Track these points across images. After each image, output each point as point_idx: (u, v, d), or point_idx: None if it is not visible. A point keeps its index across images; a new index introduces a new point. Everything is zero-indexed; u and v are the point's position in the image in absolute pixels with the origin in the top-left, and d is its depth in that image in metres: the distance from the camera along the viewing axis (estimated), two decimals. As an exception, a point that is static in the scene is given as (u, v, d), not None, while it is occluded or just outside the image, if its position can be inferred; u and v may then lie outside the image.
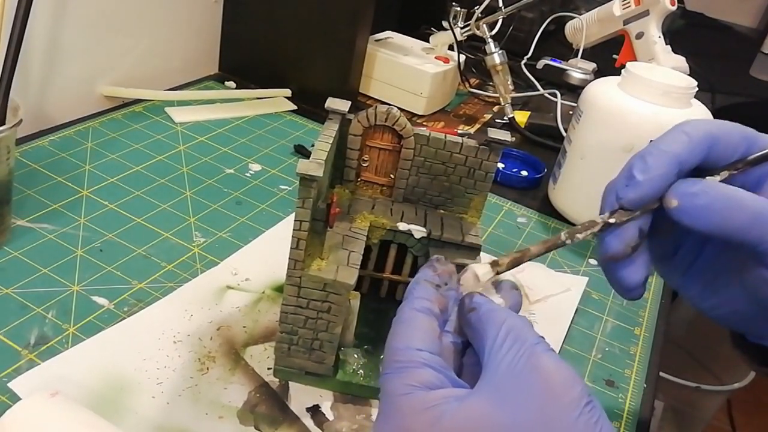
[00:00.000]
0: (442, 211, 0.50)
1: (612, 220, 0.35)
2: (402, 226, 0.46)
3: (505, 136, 0.46)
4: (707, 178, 0.35)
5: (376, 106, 0.46)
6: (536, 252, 0.36)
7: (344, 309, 0.43)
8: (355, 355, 0.48)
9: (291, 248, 0.41)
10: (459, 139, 0.47)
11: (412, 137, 0.47)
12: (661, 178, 0.34)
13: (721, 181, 0.35)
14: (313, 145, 0.43)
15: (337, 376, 0.47)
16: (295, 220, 0.40)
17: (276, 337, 0.45)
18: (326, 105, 0.46)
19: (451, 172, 0.48)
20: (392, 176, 0.49)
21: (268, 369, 0.47)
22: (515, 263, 0.36)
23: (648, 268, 0.36)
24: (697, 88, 0.66)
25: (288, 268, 0.42)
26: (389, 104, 1.00)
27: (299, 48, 0.88)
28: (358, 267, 0.43)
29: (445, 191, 0.49)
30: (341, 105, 0.46)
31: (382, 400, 0.31)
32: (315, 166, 0.38)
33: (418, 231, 0.46)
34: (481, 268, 0.36)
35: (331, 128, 0.45)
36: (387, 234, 0.47)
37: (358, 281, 0.43)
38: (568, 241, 0.36)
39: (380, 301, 0.49)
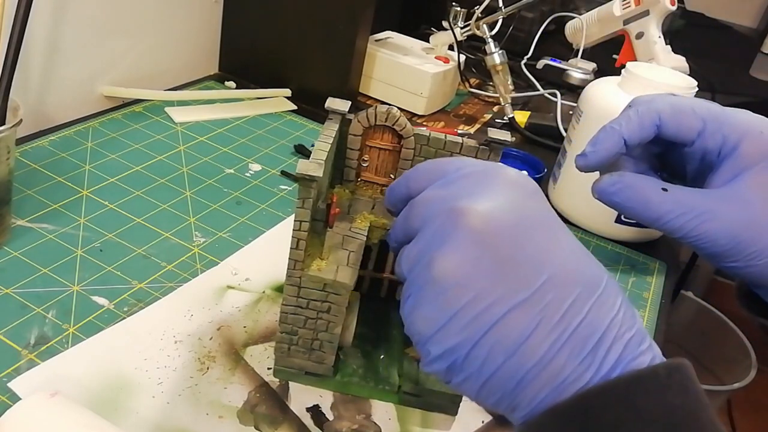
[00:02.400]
0: None
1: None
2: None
3: (505, 136, 0.46)
4: (634, 175, 0.42)
5: (376, 106, 0.46)
6: None
7: (344, 309, 0.43)
8: (356, 356, 0.48)
9: (291, 248, 0.41)
10: (459, 139, 0.47)
11: (413, 137, 0.47)
12: (605, 153, 0.42)
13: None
14: (313, 145, 0.43)
15: (337, 376, 0.47)
16: (294, 220, 0.40)
17: (276, 337, 0.45)
18: (326, 105, 0.46)
19: None
20: (392, 176, 0.49)
21: (268, 369, 0.47)
22: None
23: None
24: (697, 88, 0.66)
25: (288, 269, 0.42)
26: (389, 104, 0.99)
27: (299, 48, 0.88)
28: (358, 267, 0.43)
29: None
30: (341, 105, 0.46)
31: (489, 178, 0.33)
32: (314, 166, 0.38)
33: None
34: None
35: (331, 128, 0.45)
36: (387, 234, 0.47)
37: (358, 281, 0.43)
38: None
39: (380, 301, 0.49)
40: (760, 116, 0.41)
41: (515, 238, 0.29)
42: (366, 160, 0.48)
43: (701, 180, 0.42)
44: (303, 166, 0.38)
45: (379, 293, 0.50)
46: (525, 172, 0.34)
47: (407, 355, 0.48)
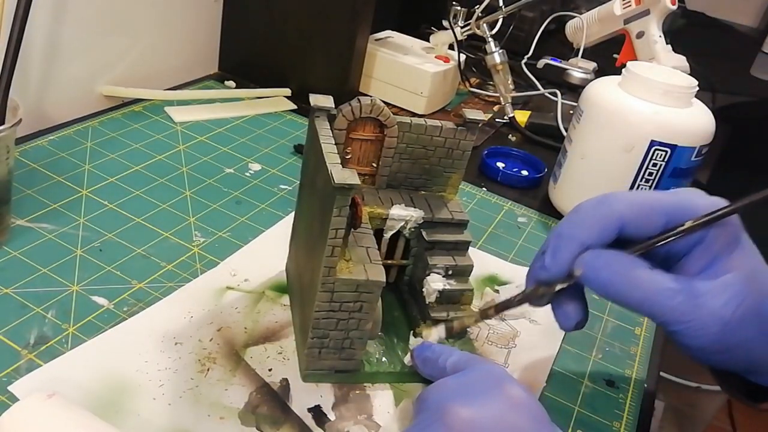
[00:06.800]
0: (422, 192, 0.52)
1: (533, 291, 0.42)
2: (398, 212, 0.48)
3: (479, 115, 0.50)
4: (618, 252, 0.38)
5: (359, 99, 0.47)
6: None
7: (375, 305, 0.44)
8: (375, 345, 0.49)
9: (325, 256, 0.41)
10: (439, 123, 0.49)
11: (395, 126, 0.48)
12: (567, 262, 0.39)
13: (638, 252, 0.38)
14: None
15: (365, 368, 0.47)
16: (330, 229, 0.39)
17: (307, 343, 0.45)
18: (312, 103, 0.46)
19: (431, 155, 0.50)
20: (374, 165, 0.49)
21: (269, 370, 0.47)
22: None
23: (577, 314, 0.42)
24: (697, 88, 0.65)
25: (322, 276, 0.41)
26: (390, 103, 0.99)
27: (299, 47, 0.87)
28: (381, 261, 0.44)
29: (425, 173, 0.51)
30: (325, 101, 0.46)
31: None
32: (350, 173, 0.38)
33: (418, 214, 0.48)
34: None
35: (326, 127, 0.45)
36: (381, 222, 0.48)
37: None
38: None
39: (386, 286, 0.51)
40: (715, 197, 0.38)
41: None
42: (348, 153, 0.49)
43: (666, 266, 0.39)
44: (339, 176, 0.38)
45: (387, 279, 0.51)
46: (533, 398, 0.36)
47: (418, 334, 0.50)
